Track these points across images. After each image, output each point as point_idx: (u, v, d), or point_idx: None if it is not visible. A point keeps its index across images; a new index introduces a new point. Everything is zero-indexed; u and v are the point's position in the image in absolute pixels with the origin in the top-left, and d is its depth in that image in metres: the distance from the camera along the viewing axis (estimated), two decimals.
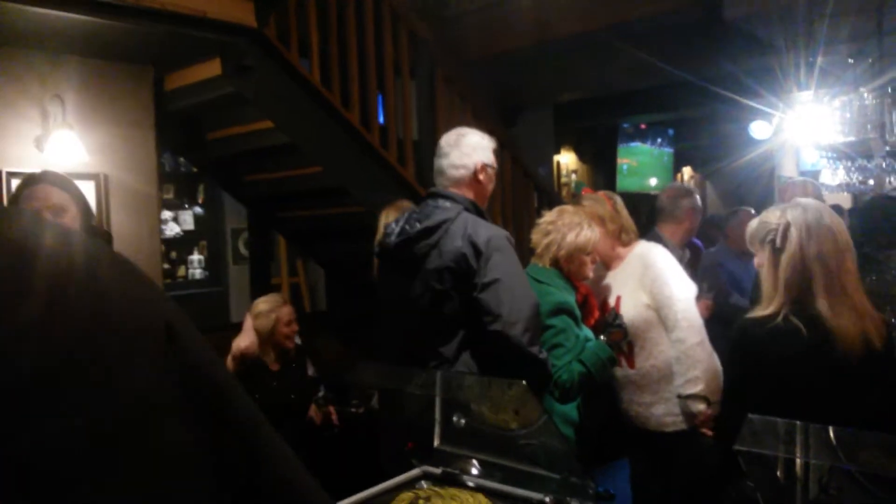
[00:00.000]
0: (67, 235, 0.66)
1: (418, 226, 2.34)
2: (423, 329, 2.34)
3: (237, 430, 0.71)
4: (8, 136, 3.49)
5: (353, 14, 4.16)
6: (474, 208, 2.38)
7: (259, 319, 3.18)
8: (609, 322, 2.57)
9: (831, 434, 1.25)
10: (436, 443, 1.85)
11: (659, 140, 9.27)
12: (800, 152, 6.45)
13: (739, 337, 1.96)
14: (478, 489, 1.66)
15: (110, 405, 0.58)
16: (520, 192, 5.11)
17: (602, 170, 9.30)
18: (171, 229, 6.94)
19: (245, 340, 3.07)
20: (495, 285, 2.22)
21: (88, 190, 3.55)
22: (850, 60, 4.25)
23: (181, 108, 4.08)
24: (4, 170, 3.45)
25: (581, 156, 9.23)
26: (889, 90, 3.80)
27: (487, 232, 2.28)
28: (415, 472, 1.80)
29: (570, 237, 2.53)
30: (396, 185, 4.22)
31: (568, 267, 2.56)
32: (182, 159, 6.76)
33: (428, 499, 1.57)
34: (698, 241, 4.26)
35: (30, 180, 2.09)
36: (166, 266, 6.68)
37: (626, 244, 2.83)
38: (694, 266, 3.74)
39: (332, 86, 4.04)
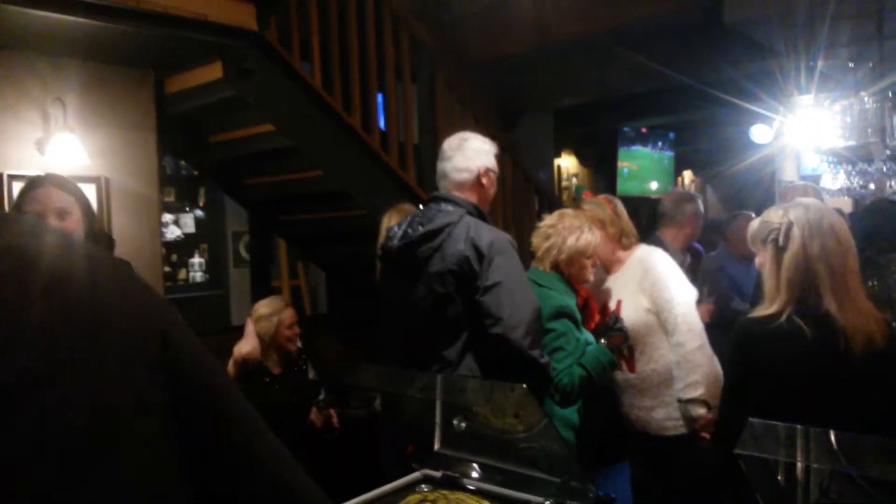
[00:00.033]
0: (68, 241, 0.66)
1: (421, 229, 2.34)
2: (425, 332, 2.34)
3: (235, 433, 0.72)
4: (9, 138, 3.49)
5: (355, 17, 4.17)
6: (477, 212, 2.38)
7: (261, 323, 3.17)
8: (609, 326, 2.57)
9: (832, 438, 1.24)
10: (436, 446, 1.85)
11: (659, 144, 9.27)
12: (800, 156, 6.44)
13: (741, 336, 1.94)
14: (478, 493, 1.66)
15: (110, 405, 0.59)
16: (520, 195, 5.11)
17: (603, 173, 9.30)
18: (172, 232, 6.95)
19: (247, 346, 3.05)
20: (497, 288, 2.22)
21: (89, 193, 3.53)
22: (851, 64, 4.25)
23: (182, 112, 4.07)
24: (5, 172, 3.45)
25: (582, 159, 9.22)
26: (890, 94, 3.80)
27: (490, 235, 2.28)
28: (415, 475, 1.80)
29: (571, 241, 2.53)
30: (397, 189, 4.22)
31: (568, 270, 2.55)
32: (183, 162, 6.77)
33: (435, 501, 1.57)
34: (699, 246, 4.26)
35: (33, 183, 2.09)
36: (167, 269, 6.69)
37: (627, 248, 2.83)
38: (695, 270, 3.74)
39: (334, 89, 4.04)
